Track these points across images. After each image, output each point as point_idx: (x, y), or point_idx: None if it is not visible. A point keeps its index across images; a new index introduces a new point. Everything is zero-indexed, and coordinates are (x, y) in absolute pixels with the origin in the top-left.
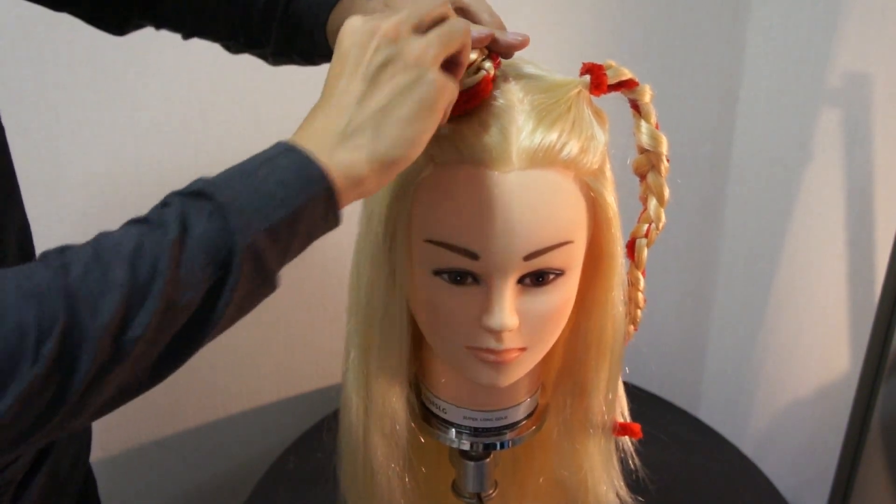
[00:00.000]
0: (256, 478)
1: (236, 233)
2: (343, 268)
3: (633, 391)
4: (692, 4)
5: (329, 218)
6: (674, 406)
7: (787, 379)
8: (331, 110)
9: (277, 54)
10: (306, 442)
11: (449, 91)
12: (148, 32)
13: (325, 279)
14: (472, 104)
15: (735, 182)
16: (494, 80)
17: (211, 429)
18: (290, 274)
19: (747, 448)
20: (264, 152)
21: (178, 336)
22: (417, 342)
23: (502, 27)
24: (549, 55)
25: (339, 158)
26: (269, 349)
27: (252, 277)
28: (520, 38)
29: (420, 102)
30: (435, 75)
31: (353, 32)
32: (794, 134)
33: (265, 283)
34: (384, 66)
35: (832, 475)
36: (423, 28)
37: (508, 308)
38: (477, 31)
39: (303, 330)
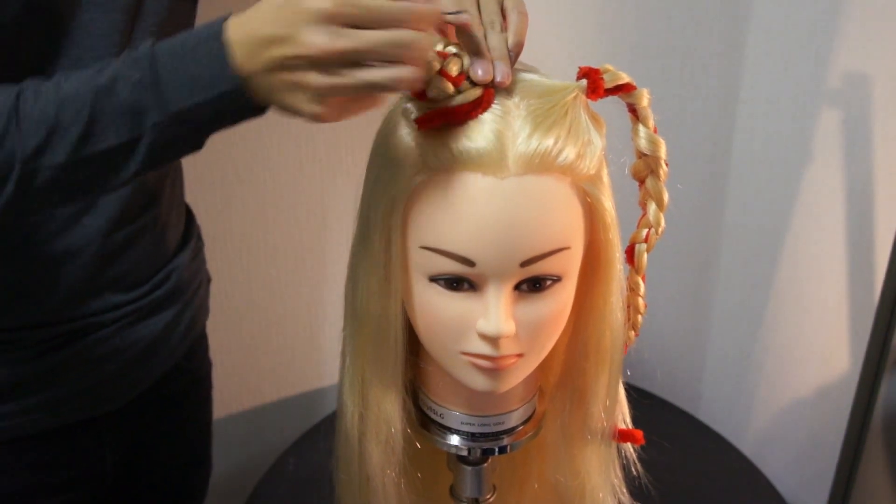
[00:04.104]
0: (256, 478)
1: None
2: (343, 269)
3: (632, 392)
4: (692, 4)
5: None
6: (673, 406)
7: (787, 379)
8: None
9: None
10: (306, 443)
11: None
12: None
13: (324, 279)
14: (473, 115)
15: (735, 182)
16: (493, 90)
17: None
18: (290, 274)
19: (747, 448)
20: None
21: (93, 170)
22: (415, 347)
23: (522, 31)
24: (548, 55)
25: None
26: (269, 349)
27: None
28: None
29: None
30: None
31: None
32: (794, 134)
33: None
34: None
35: (832, 475)
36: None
37: (505, 314)
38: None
39: (303, 330)
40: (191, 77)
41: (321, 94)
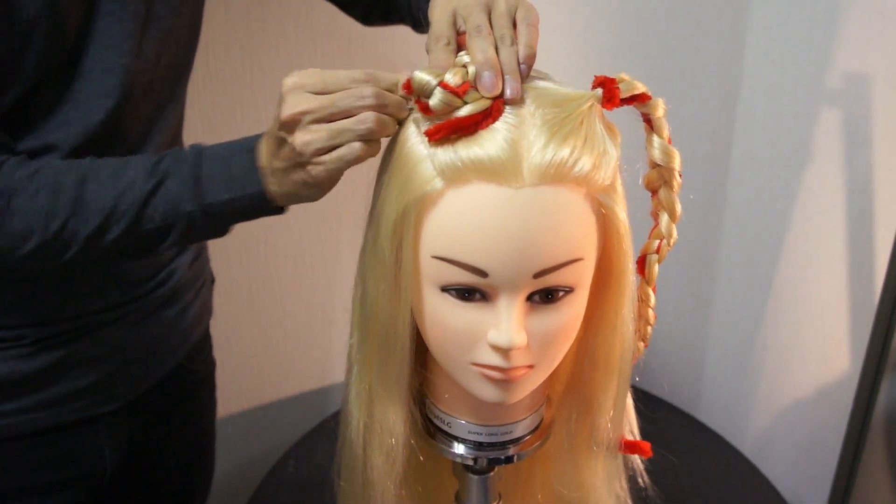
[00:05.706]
0: (256, 480)
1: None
2: (343, 269)
3: (634, 395)
4: (692, 5)
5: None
6: (673, 407)
7: (787, 379)
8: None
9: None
10: (306, 444)
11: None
12: None
13: (325, 280)
14: (483, 126)
15: (735, 182)
16: (503, 102)
17: None
18: (290, 274)
19: (747, 449)
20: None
21: (137, 244)
22: (422, 356)
23: (533, 43)
24: (550, 56)
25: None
26: (269, 349)
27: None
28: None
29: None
30: (311, 170)
31: (286, 95)
32: (794, 134)
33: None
34: (282, 142)
35: (832, 475)
36: (330, 119)
37: (517, 326)
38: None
39: (303, 330)
40: (227, 178)
41: (304, 156)
